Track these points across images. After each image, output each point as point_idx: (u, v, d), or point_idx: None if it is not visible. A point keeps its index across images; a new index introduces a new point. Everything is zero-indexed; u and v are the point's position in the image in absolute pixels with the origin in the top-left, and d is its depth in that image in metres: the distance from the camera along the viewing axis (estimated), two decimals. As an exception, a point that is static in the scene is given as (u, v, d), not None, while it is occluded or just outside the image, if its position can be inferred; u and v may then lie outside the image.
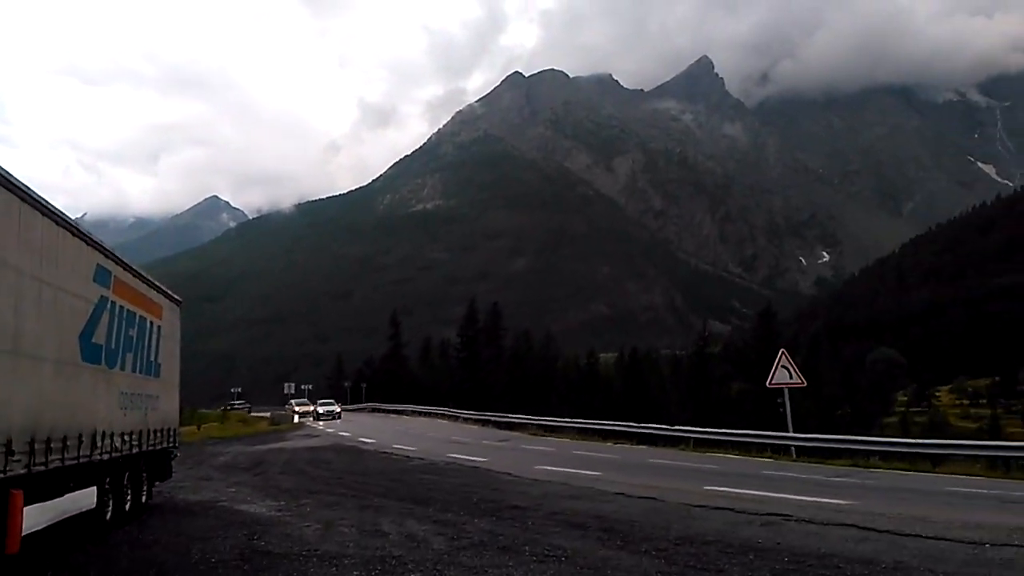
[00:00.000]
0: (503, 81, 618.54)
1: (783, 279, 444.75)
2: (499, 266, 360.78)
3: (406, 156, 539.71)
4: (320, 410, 57.84)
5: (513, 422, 41.61)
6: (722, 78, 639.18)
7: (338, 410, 59.27)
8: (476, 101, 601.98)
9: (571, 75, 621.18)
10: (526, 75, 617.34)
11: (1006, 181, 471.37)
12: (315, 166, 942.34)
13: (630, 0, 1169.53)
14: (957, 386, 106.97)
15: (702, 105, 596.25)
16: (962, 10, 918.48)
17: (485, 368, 76.21)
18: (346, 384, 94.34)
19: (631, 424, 32.74)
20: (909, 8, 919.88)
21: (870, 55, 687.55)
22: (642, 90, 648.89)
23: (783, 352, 23.35)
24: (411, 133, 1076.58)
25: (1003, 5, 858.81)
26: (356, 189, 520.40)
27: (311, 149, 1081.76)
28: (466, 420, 48.87)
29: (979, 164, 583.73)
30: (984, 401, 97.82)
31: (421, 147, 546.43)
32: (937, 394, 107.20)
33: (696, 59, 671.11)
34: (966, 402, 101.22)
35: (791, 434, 23.43)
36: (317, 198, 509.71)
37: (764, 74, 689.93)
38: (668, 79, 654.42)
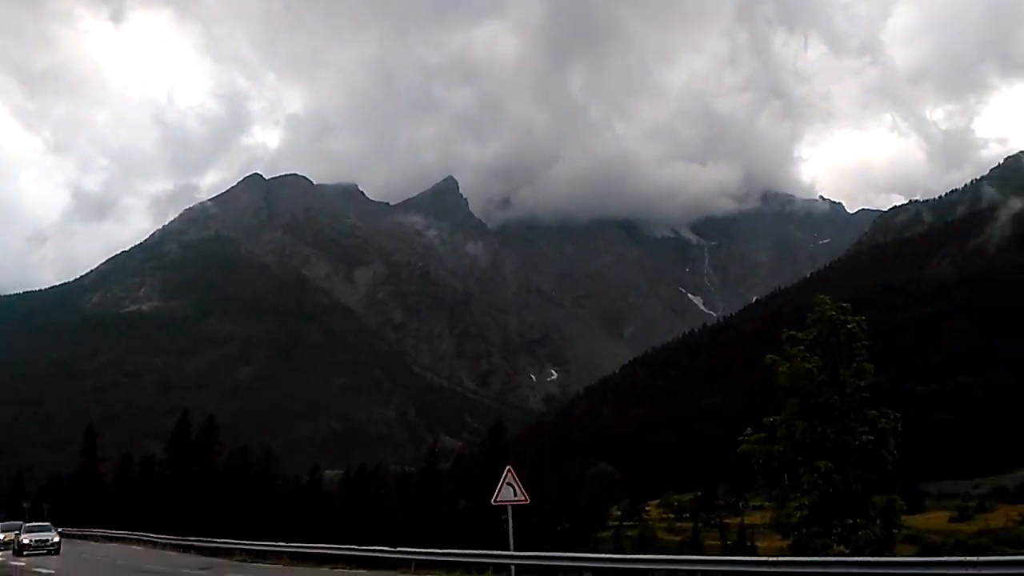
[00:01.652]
0: (241, 181, 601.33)
1: (515, 395, 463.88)
2: (222, 374, 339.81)
3: (123, 252, 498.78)
4: (26, 539, 44.41)
5: (219, 547, 38.50)
6: (466, 198, 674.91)
7: (55, 539, 44.88)
8: (209, 199, 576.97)
9: (315, 182, 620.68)
10: (267, 177, 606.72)
11: (711, 312, 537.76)
12: (14, 257, 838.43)
13: (380, 113, 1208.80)
14: (664, 500, 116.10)
15: (447, 223, 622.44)
16: (681, 157, 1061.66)
17: (194, 487, 70.01)
18: (25, 505, 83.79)
19: (352, 547, 31.54)
20: (636, 151, 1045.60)
21: (601, 190, 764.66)
22: (388, 203, 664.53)
23: (509, 469, 23.83)
24: (132, 228, 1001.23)
25: (715, 155, 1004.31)
26: (60, 285, 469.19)
27: (12, 238, 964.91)
28: (165, 546, 44.27)
29: (689, 295, 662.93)
30: (687, 515, 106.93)
31: (142, 243, 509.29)
32: (647, 508, 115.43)
33: (443, 178, 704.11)
34: (672, 516, 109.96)
35: (511, 552, 23.85)
36: (11, 293, 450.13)
37: (506, 198, 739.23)
38: (414, 195, 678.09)
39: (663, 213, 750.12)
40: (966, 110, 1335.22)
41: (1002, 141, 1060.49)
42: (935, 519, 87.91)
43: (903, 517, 18.87)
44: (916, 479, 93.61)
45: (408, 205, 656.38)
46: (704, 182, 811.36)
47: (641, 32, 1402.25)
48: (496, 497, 23.63)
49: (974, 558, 14.53)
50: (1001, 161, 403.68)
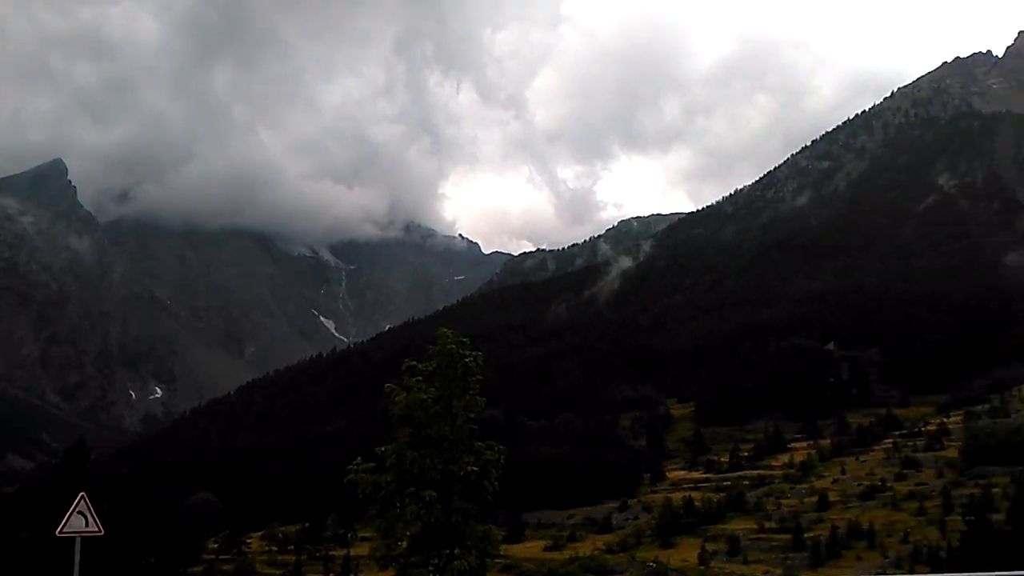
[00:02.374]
0: None
1: (108, 412, 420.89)
2: None
3: None
4: None
5: None
6: (75, 186, 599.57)
7: None
8: None
9: None
10: None
11: (342, 337, 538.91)
12: None
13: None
14: (269, 532, 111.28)
15: (47, 210, 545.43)
16: (328, 176, 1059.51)
17: None
18: None
19: None
20: (281, 163, 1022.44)
21: (236, 197, 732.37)
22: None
23: (82, 496, 20.17)
24: None
25: (363, 180, 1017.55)
26: None
27: None
28: None
29: (321, 318, 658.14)
30: (292, 547, 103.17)
31: None
32: (249, 541, 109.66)
33: (49, 159, 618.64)
34: (275, 548, 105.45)
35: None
36: None
37: (124, 192, 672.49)
38: (11, 174, 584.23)
39: (302, 231, 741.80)
40: (592, 173, 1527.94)
41: (618, 205, 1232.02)
42: (532, 548, 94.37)
43: (503, 546, 19.01)
44: (519, 509, 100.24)
45: (3, 184, 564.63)
46: (349, 205, 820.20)
47: (300, 44, 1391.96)
48: (63, 527, 20.13)
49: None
50: (616, 223, 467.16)
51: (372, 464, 18.47)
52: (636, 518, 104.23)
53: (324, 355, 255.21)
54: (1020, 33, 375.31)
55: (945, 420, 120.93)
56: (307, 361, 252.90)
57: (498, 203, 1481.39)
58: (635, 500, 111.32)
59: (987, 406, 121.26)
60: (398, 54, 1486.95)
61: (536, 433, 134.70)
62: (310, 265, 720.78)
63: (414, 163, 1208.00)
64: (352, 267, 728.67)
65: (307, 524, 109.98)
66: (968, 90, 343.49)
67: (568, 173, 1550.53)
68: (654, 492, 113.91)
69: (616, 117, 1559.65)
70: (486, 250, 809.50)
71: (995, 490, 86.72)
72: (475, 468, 18.32)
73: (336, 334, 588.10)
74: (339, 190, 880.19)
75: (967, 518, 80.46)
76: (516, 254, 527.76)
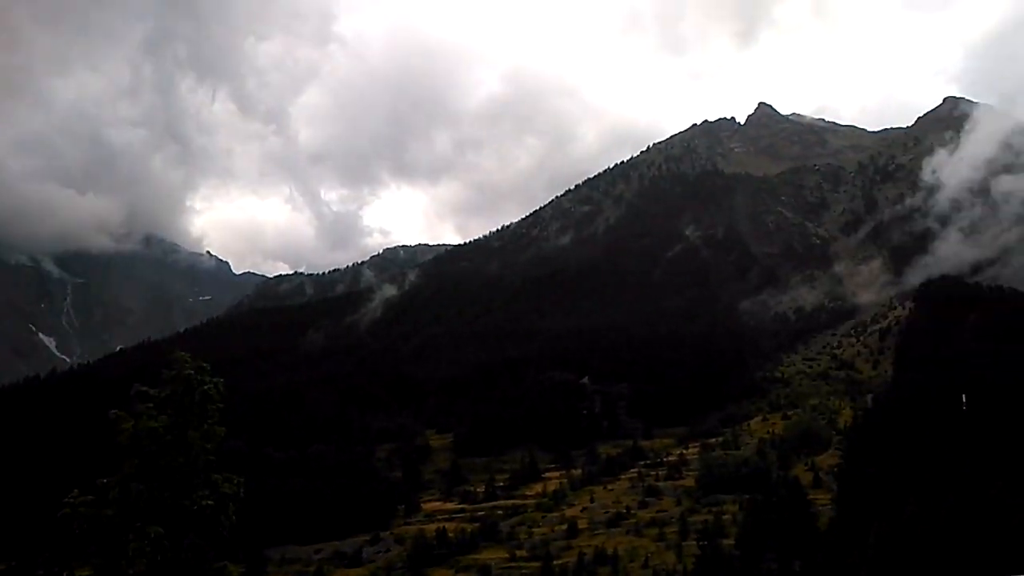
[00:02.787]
0: None
1: None
2: None
3: None
4: None
5: None
6: None
7: None
8: None
9: None
10: None
11: (64, 356, 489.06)
12: None
13: None
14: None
15: None
16: (57, 179, 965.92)
17: None
18: None
19: None
20: (1, 159, 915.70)
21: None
22: None
23: None
24: None
25: (97, 186, 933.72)
26: None
27: None
28: None
29: (41, 335, 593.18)
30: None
31: None
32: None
33: None
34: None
35: None
36: None
37: None
38: None
39: (23, 237, 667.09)
40: (358, 198, 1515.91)
41: (385, 233, 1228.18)
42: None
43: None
44: (263, 544, 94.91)
45: None
46: (80, 212, 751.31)
47: (32, 31, 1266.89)
48: None
49: None
50: (381, 251, 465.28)
51: (91, 497, 17.09)
52: (388, 551, 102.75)
53: (42, 376, 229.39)
54: (759, 104, 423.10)
55: (684, 451, 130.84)
56: (21, 383, 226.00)
57: (254, 221, 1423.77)
58: (388, 532, 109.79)
59: (720, 439, 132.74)
60: (146, 54, 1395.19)
61: (284, 465, 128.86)
62: (30, 275, 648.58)
63: (158, 172, 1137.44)
64: (80, 280, 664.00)
65: (13, 563, 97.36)
66: (714, 151, 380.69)
67: (332, 196, 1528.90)
68: (408, 524, 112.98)
69: (386, 143, 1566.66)
70: (237, 270, 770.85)
71: (726, 517, 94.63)
72: (211, 502, 17.53)
73: (58, 353, 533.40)
74: (68, 195, 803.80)
75: (700, 543, 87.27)
76: (271, 276, 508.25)
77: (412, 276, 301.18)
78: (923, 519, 63.86)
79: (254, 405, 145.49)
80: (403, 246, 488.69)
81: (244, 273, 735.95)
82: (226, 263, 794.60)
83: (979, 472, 72.85)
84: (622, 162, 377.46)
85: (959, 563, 56.74)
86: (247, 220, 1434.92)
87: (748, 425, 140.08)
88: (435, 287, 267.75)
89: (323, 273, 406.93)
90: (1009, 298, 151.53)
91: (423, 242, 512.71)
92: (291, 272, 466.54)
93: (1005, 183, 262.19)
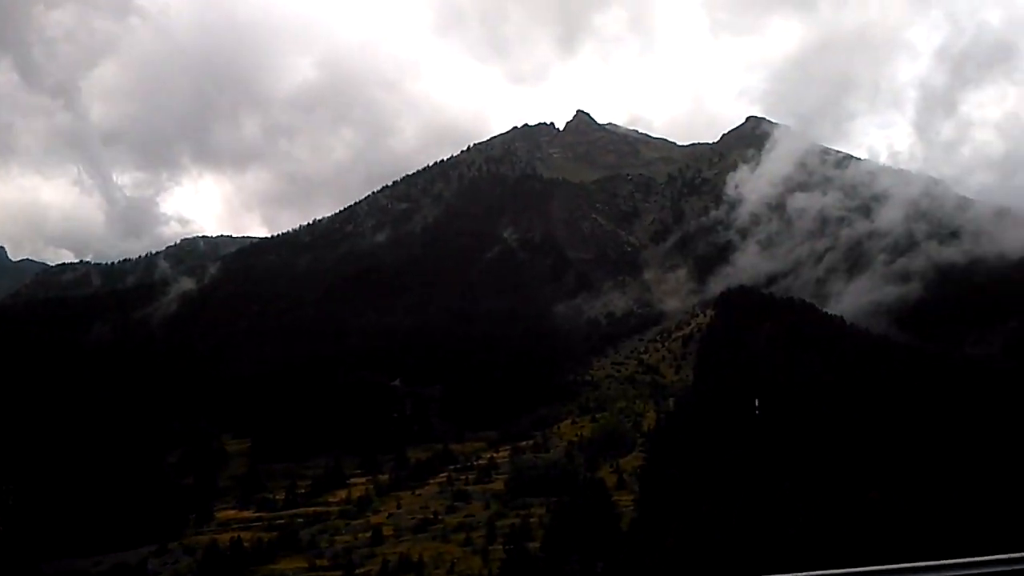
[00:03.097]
0: None
1: None
2: None
3: None
4: None
5: None
6: None
7: None
8: None
9: None
10: None
11: None
12: None
13: None
14: None
15: None
16: None
17: None
18: None
19: None
20: None
21: None
22: None
23: None
24: None
25: None
26: None
27: None
28: None
29: None
30: None
31: None
32: None
33: None
34: None
35: None
36: None
37: None
38: None
39: None
40: (156, 183, 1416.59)
41: (184, 222, 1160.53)
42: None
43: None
44: (37, 557, 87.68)
45: None
46: None
47: None
48: None
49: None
50: (179, 241, 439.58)
51: None
52: (176, 562, 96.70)
53: None
54: (578, 111, 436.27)
55: (495, 455, 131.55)
56: None
57: (36, 204, 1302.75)
58: (177, 543, 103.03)
59: (531, 442, 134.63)
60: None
61: (61, 469, 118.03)
62: None
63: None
64: None
65: None
66: (533, 155, 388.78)
67: (126, 179, 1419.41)
68: (199, 534, 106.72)
69: (189, 126, 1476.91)
70: (15, 256, 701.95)
71: (533, 520, 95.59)
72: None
73: None
74: None
75: (507, 547, 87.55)
76: (53, 264, 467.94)
77: (213, 269, 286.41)
78: (717, 518, 66.85)
79: (28, 405, 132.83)
80: (204, 237, 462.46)
81: (22, 260, 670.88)
82: (2, 248, 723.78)
83: (770, 472, 77.51)
84: (442, 160, 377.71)
85: (751, 560, 59.61)
86: (29, 202, 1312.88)
87: (558, 428, 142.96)
88: (238, 281, 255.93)
89: (113, 263, 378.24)
90: (799, 308, 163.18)
91: (226, 233, 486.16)
92: (76, 261, 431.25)
93: (799, 200, 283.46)
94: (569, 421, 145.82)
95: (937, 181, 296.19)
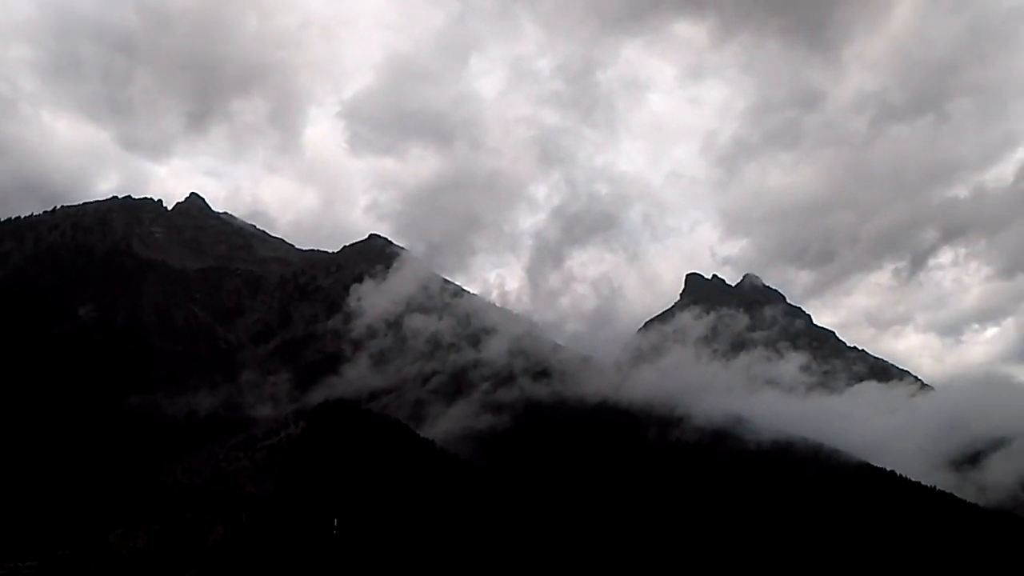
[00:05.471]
0: None
1: None
2: None
3: None
4: None
5: None
6: None
7: None
8: None
9: None
10: None
11: None
12: None
13: None
14: None
15: None
16: None
17: None
18: None
19: None
20: None
21: None
22: None
23: None
24: None
25: None
26: None
27: None
28: None
29: None
30: None
31: None
32: None
33: None
34: None
35: None
36: None
37: None
38: None
39: None
40: None
41: None
42: None
43: None
44: None
45: None
46: None
47: None
48: None
49: None
50: None
51: None
52: None
53: None
54: (192, 194, 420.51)
55: (18, 564, 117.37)
56: None
57: None
58: None
59: (68, 552, 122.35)
60: None
61: None
62: None
63: None
64: None
65: None
66: (132, 231, 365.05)
67: None
68: None
69: None
70: None
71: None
72: None
73: None
74: None
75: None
76: None
77: None
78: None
79: None
80: None
81: None
82: None
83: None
84: (18, 218, 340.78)
85: None
86: None
87: (108, 538, 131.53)
88: None
89: None
90: (391, 428, 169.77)
91: None
92: None
93: (416, 320, 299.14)
94: (120, 531, 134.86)
95: (536, 324, 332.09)
